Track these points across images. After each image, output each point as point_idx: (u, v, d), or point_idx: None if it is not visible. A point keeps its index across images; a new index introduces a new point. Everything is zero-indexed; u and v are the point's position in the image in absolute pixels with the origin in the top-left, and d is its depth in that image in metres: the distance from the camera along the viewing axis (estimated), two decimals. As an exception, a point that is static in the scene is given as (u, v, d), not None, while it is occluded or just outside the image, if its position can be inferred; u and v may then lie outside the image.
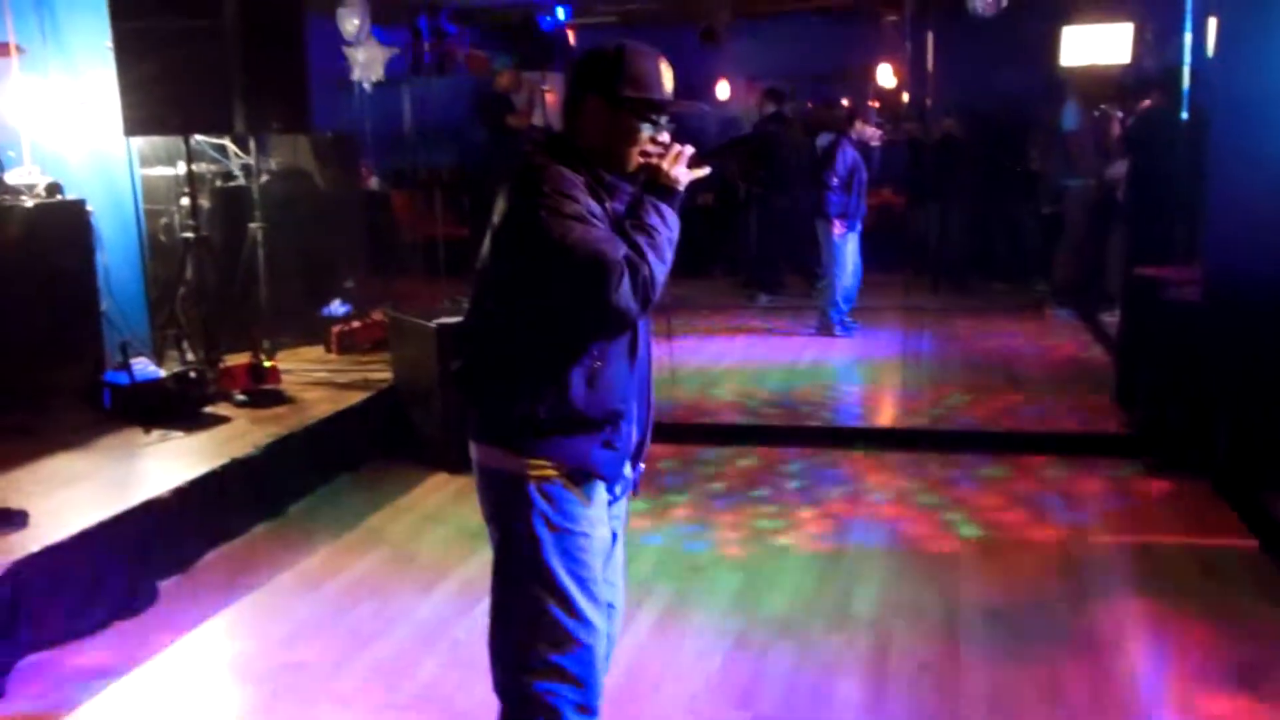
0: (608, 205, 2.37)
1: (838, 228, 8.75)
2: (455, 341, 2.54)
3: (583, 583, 2.46)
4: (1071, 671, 3.64)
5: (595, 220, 2.30)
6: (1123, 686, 3.55)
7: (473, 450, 2.55)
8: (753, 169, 10.41)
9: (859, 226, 8.97)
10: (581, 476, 2.46)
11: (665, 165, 2.41)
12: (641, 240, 2.30)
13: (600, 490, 2.52)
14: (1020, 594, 4.26)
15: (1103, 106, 9.57)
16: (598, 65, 2.43)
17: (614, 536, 2.64)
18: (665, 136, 2.46)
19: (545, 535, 2.43)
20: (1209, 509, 5.05)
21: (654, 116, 2.43)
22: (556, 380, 2.38)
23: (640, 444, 2.63)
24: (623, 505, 2.68)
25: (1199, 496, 5.19)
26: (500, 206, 2.39)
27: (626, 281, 2.24)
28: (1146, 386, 5.91)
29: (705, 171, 2.46)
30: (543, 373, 2.39)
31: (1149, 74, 9.16)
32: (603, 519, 2.54)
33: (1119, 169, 8.73)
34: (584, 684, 2.49)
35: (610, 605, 2.64)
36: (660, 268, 2.31)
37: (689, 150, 2.44)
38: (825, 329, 9.01)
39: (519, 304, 2.38)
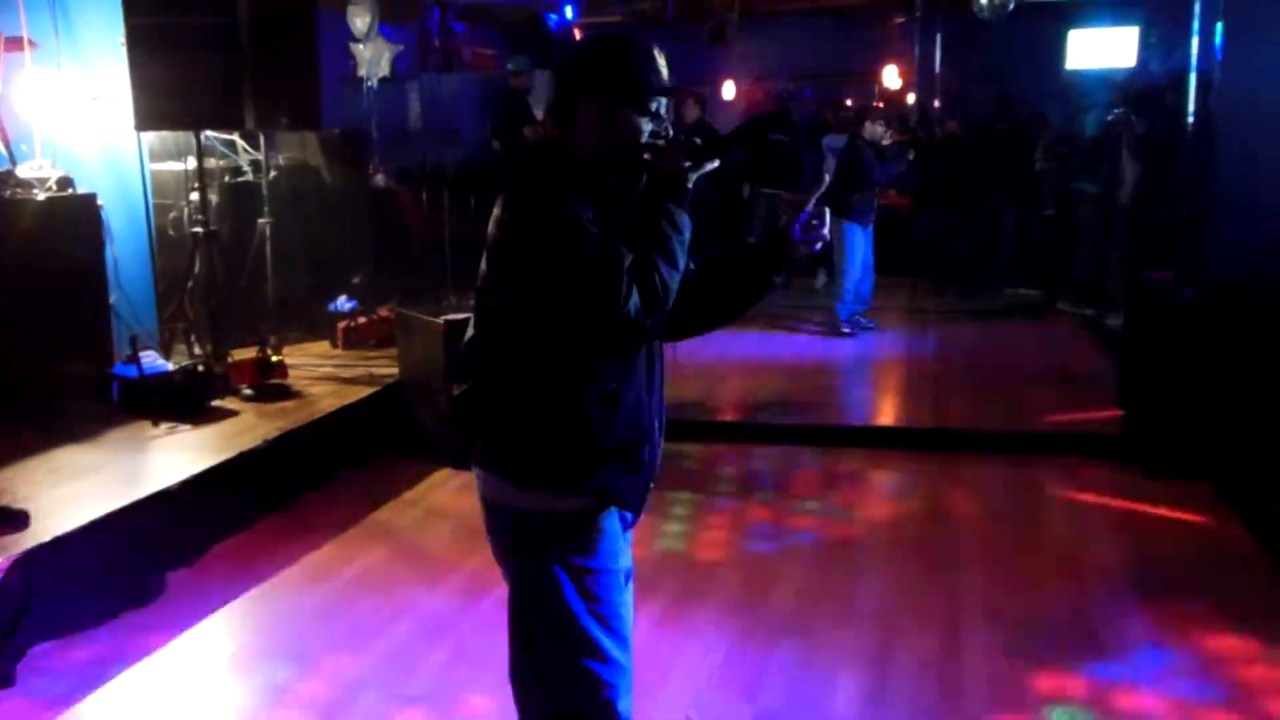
0: (610, 214, 2.18)
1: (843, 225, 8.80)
2: (459, 363, 2.36)
3: (605, 621, 2.30)
4: (1072, 672, 3.66)
5: (597, 231, 2.12)
6: (1122, 689, 3.57)
7: (480, 483, 2.36)
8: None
9: (869, 225, 9.03)
10: (602, 508, 2.30)
11: (670, 161, 2.23)
12: (649, 247, 2.14)
13: (616, 521, 2.34)
14: (1020, 594, 4.29)
15: (1117, 110, 9.56)
16: (588, 62, 2.25)
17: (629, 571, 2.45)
18: (668, 130, 2.30)
19: (564, 576, 2.26)
20: (1210, 512, 5.07)
21: (654, 109, 2.25)
22: (573, 407, 2.21)
23: (656, 468, 2.43)
24: (629, 536, 2.48)
25: (1201, 500, 5.21)
26: (496, 219, 2.22)
27: (636, 292, 2.09)
28: (1149, 389, 5.93)
29: (714, 164, 2.26)
30: (558, 399, 2.21)
31: (1155, 78, 9.18)
32: (622, 551, 2.37)
33: (1132, 173, 8.75)
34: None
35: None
36: (672, 274, 2.15)
37: (694, 143, 2.26)
38: (833, 329, 9.05)
39: (526, 324, 2.20)
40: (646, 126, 2.26)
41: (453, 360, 5.77)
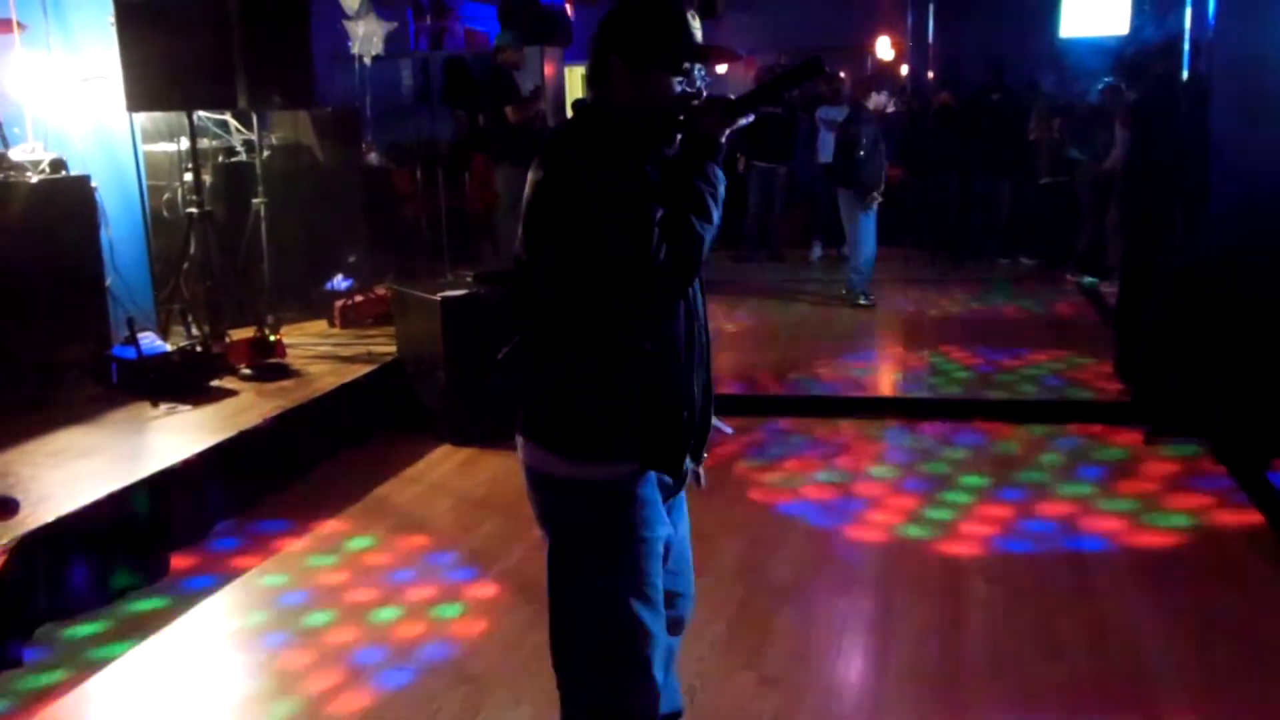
0: (643, 170, 2.23)
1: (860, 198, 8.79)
2: (501, 326, 2.39)
3: (640, 590, 2.33)
4: (1070, 631, 3.69)
5: (632, 185, 2.17)
6: (1121, 645, 3.60)
7: (521, 449, 2.40)
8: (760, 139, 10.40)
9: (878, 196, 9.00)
10: (639, 475, 2.32)
11: (704, 119, 2.26)
12: (682, 201, 2.17)
13: (655, 488, 2.37)
14: (1020, 561, 4.31)
15: (1107, 79, 9.55)
16: (617, 24, 2.29)
17: (675, 528, 2.50)
18: (700, 88, 2.31)
19: (602, 544, 2.32)
20: (1208, 476, 5.09)
21: (685, 66, 2.27)
22: (608, 370, 2.25)
23: (703, 433, 2.47)
24: (682, 495, 2.55)
25: (1199, 463, 5.23)
26: (532, 181, 2.24)
27: (666, 245, 2.12)
28: (1145, 355, 5.95)
29: (748, 120, 2.29)
30: (593, 363, 2.25)
31: (1149, 45, 9.17)
32: (661, 518, 2.39)
33: (1124, 142, 8.75)
34: (648, 690, 2.39)
35: (682, 594, 2.58)
36: (705, 227, 2.18)
37: (727, 98, 2.29)
38: (851, 298, 9.06)
39: (561, 283, 2.23)
40: (678, 86, 2.28)
41: (451, 334, 5.81)
